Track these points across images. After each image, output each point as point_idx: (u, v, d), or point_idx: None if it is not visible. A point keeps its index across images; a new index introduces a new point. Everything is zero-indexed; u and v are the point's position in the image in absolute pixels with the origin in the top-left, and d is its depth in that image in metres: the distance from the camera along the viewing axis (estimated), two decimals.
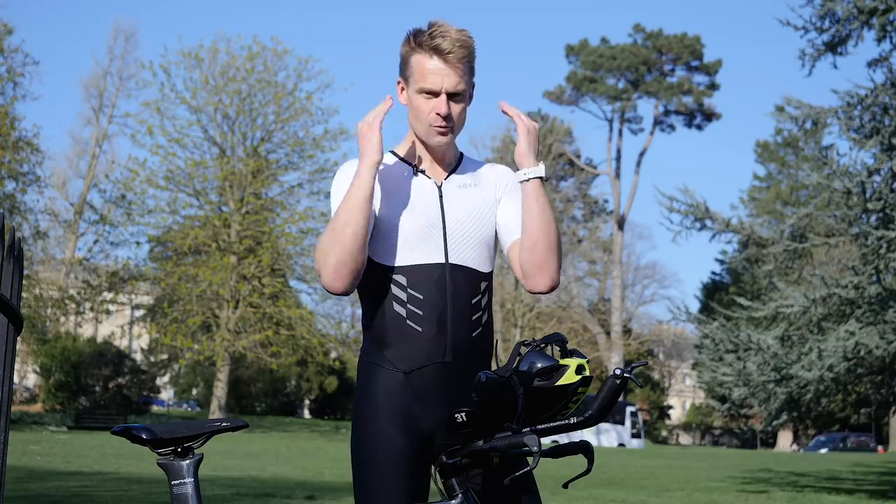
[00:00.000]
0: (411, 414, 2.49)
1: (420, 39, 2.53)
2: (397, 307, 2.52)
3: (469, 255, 2.59)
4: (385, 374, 2.52)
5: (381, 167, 2.61)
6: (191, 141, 35.22)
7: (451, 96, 2.54)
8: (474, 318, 2.56)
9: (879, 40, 14.05)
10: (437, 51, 2.50)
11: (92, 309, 36.32)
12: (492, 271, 2.66)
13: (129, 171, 34.37)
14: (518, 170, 2.62)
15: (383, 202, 2.57)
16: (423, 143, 2.63)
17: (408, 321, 2.51)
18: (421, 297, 2.51)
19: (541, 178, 2.57)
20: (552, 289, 2.61)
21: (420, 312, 2.51)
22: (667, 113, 55.30)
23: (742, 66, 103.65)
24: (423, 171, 2.63)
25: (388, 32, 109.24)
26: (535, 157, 2.59)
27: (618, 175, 54.90)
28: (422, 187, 2.61)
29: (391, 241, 2.54)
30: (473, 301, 2.56)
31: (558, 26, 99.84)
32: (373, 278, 2.55)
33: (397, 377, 2.51)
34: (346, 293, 2.50)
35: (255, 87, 35.17)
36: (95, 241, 37.41)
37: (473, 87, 2.63)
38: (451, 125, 2.57)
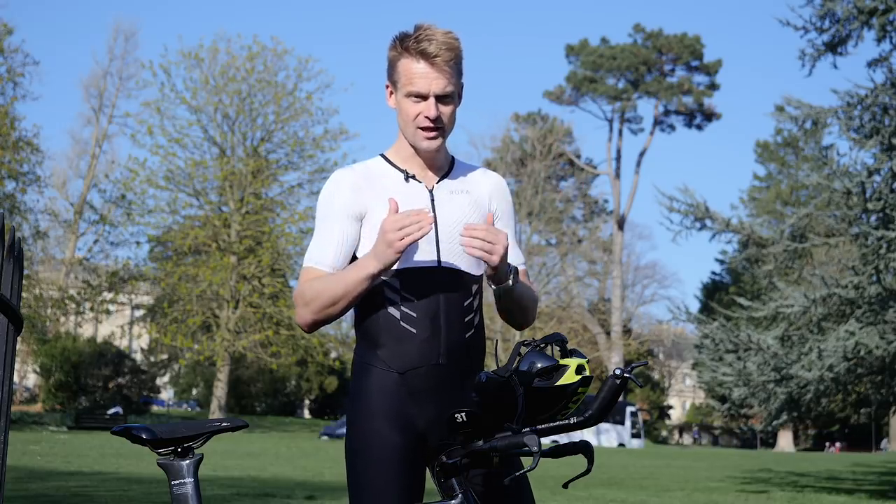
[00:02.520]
0: (405, 413, 2.51)
1: (406, 44, 2.53)
2: (391, 309, 2.54)
3: (461, 259, 2.60)
4: (379, 374, 2.54)
5: (373, 172, 2.63)
6: (191, 141, 35.29)
7: (440, 98, 2.55)
8: (466, 319, 2.58)
9: (879, 40, 14.05)
10: (424, 55, 2.51)
11: (92, 309, 36.35)
12: (482, 274, 2.67)
13: (129, 171, 34.43)
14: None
15: (377, 208, 2.57)
16: (413, 147, 2.63)
17: (401, 323, 2.53)
18: (414, 299, 2.53)
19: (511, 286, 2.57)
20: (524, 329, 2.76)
21: (413, 314, 2.53)
22: (667, 113, 55.33)
23: (742, 66, 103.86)
24: (413, 177, 2.64)
25: (388, 32, 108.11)
26: (505, 277, 2.52)
27: (618, 175, 54.93)
28: (414, 192, 2.61)
29: None
30: (465, 303, 2.58)
31: (558, 26, 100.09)
32: None
33: (391, 377, 2.53)
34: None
35: (255, 87, 35.20)
36: (95, 241, 37.44)
37: (462, 87, 2.63)
38: (440, 127, 2.57)
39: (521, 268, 2.75)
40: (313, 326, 2.58)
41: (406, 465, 2.47)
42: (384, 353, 2.54)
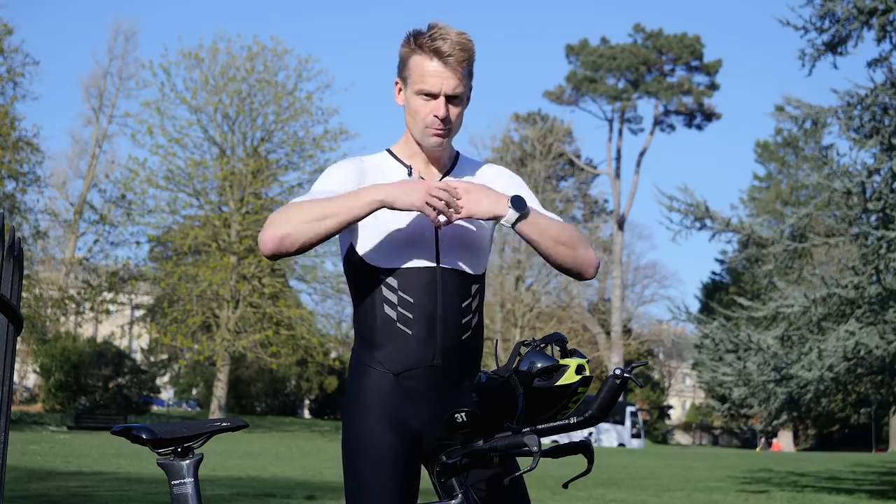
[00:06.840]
0: (400, 413, 2.50)
1: (420, 41, 2.52)
2: (388, 309, 2.52)
3: (461, 258, 2.58)
4: (375, 375, 2.52)
5: (377, 165, 2.64)
6: (191, 141, 35.27)
7: (450, 99, 2.53)
8: (464, 321, 2.56)
9: (879, 40, 14.05)
10: (438, 53, 2.49)
11: (92, 309, 36.33)
12: (483, 273, 2.65)
13: (129, 171, 34.41)
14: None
15: None
16: (418, 144, 2.62)
17: (398, 324, 2.52)
18: (411, 300, 2.51)
19: (519, 216, 2.44)
20: (595, 270, 2.60)
21: (410, 315, 2.51)
22: (667, 113, 55.32)
23: (742, 66, 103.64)
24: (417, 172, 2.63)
25: (388, 32, 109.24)
26: (496, 201, 2.43)
27: (618, 175, 54.92)
28: None
29: (383, 244, 2.54)
30: (464, 304, 2.56)
31: (558, 26, 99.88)
32: (364, 280, 2.55)
33: (387, 378, 2.52)
34: (272, 259, 2.47)
35: (255, 87, 35.18)
36: (95, 241, 37.40)
37: (471, 89, 2.62)
38: (448, 128, 2.56)
39: None
40: (279, 247, 2.39)
41: (401, 464, 2.47)
42: (380, 353, 2.53)
